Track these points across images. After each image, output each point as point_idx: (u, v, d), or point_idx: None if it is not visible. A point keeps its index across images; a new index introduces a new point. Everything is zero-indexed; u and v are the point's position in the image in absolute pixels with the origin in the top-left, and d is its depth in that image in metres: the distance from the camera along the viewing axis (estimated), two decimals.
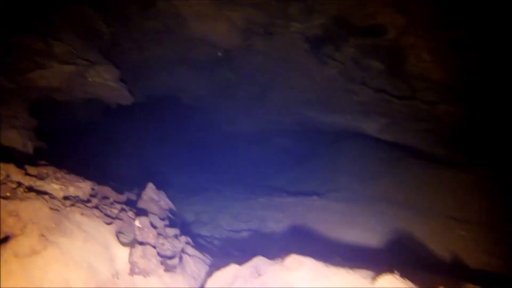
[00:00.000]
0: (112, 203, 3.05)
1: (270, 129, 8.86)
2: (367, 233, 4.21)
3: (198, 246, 3.79)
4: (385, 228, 4.36)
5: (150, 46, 6.33)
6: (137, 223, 2.68)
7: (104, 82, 4.64)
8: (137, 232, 2.69)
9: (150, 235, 2.71)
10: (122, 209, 2.84)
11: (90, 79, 4.22)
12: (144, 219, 2.75)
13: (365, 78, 6.26)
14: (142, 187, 3.84)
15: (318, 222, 5.13)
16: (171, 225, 3.50)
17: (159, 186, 7.67)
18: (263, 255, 3.81)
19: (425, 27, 4.30)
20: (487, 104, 4.93)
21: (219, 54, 6.42)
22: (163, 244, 2.92)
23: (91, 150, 5.71)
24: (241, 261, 2.48)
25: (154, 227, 2.97)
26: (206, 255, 3.39)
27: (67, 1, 4.30)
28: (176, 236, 3.28)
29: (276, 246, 4.41)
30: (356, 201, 5.76)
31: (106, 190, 3.13)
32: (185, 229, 4.98)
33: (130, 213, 2.92)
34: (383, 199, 5.70)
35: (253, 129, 9.06)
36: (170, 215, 3.58)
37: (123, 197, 3.50)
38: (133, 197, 3.86)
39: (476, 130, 5.41)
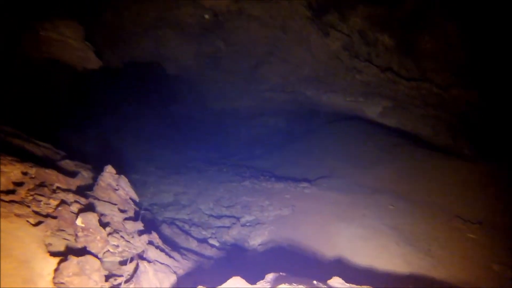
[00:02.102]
0: (54, 191, 2.39)
1: (262, 107, 8.16)
2: (365, 231, 3.69)
3: (167, 242, 3.21)
4: (385, 225, 3.85)
5: (128, 4, 5.45)
6: (79, 222, 2.04)
7: (63, 38, 3.82)
8: (80, 234, 2.06)
9: (97, 238, 2.08)
10: (63, 202, 2.19)
11: (42, 33, 3.41)
12: (90, 217, 2.11)
13: (370, 54, 5.56)
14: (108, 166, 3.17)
15: (308, 213, 4.60)
16: (135, 218, 2.88)
17: (131, 165, 6.98)
18: (242, 265, 3.24)
19: None
20: (507, 94, 4.34)
21: (206, 16, 5.59)
22: (117, 246, 2.30)
23: (52, 120, 4.96)
24: (213, 279, 1.91)
25: (105, 225, 2.34)
26: (175, 256, 2.81)
27: None
28: (138, 233, 2.67)
29: (259, 247, 3.86)
30: (351, 191, 5.23)
31: (49, 174, 2.46)
32: (152, 221, 4.38)
33: (75, 207, 2.28)
34: (380, 190, 5.18)
35: (244, 106, 8.35)
36: (134, 206, 2.95)
37: (74, 182, 2.84)
38: (91, 180, 3.20)
39: (491, 120, 4.85)
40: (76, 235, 2.02)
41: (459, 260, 3.18)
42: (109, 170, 2.84)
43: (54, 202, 2.20)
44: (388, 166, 5.91)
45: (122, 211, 2.77)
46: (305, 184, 5.59)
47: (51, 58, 3.98)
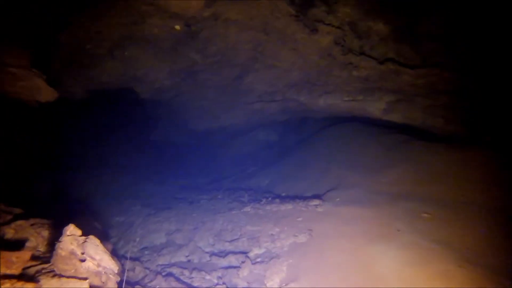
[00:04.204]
0: None
1: (250, 121, 7.46)
2: (410, 253, 2.98)
3: None
4: (429, 241, 3.15)
5: (84, 22, 4.69)
6: None
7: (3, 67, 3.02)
8: None
9: None
10: None
11: None
12: None
13: (365, 46, 5.01)
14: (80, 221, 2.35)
15: (330, 237, 3.85)
16: None
17: (113, 206, 6.05)
18: None
19: None
20: None
21: (177, 27, 4.91)
22: None
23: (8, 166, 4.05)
24: None
25: None
26: None
27: None
28: None
29: None
30: (370, 202, 4.53)
31: None
32: (142, 280, 3.52)
33: None
34: (403, 195, 4.52)
35: (230, 122, 7.62)
36: (113, 276, 2.12)
37: (21, 256, 2.00)
38: (46, 250, 2.36)
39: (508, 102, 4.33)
40: None
41: None
42: (71, 231, 2.02)
43: None
44: (402, 166, 5.28)
45: None
46: (316, 202, 4.85)
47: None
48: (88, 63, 5.28)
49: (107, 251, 2.07)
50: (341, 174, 5.78)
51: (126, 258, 4.42)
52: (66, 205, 5.01)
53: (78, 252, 1.91)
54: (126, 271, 3.99)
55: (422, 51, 4.81)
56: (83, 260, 1.90)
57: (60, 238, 1.99)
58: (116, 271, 1.98)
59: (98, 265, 1.91)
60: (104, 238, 4.09)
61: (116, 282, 2.14)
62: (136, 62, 5.64)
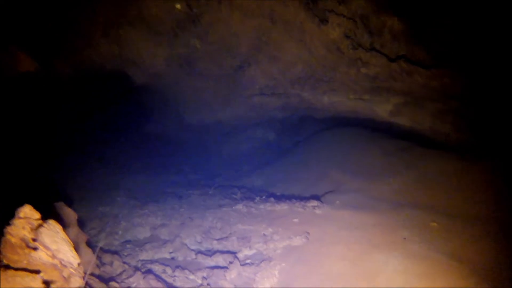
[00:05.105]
0: None
1: (248, 116, 7.12)
2: (418, 263, 2.67)
3: None
4: (439, 253, 2.84)
5: None
6: None
7: None
8: None
9: None
10: None
11: None
12: None
13: (376, 42, 4.72)
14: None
15: (329, 242, 3.52)
16: None
17: (97, 195, 5.69)
18: None
19: None
20: None
21: (178, 7, 4.59)
22: None
23: None
24: None
25: None
26: None
27: None
28: None
29: None
30: (372, 207, 4.22)
31: None
32: (119, 276, 3.17)
33: None
34: (407, 203, 4.21)
35: (227, 116, 7.29)
36: (74, 270, 1.76)
37: None
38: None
39: None
40: None
41: None
42: (26, 213, 1.67)
43: None
44: (406, 173, 4.97)
45: (48, 283, 1.58)
46: (314, 203, 4.52)
47: None
48: (80, 43, 4.93)
49: (69, 241, 1.72)
50: (341, 177, 5.47)
51: (105, 251, 4.09)
52: (43, 191, 4.65)
53: (29, 238, 1.56)
54: (102, 265, 3.65)
55: (437, 51, 4.54)
56: (35, 248, 1.55)
57: (10, 220, 1.64)
58: (75, 265, 1.63)
59: (53, 257, 1.56)
60: (80, 227, 3.73)
61: (82, 278, 1.79)
62: (131, 44, 5.29)
